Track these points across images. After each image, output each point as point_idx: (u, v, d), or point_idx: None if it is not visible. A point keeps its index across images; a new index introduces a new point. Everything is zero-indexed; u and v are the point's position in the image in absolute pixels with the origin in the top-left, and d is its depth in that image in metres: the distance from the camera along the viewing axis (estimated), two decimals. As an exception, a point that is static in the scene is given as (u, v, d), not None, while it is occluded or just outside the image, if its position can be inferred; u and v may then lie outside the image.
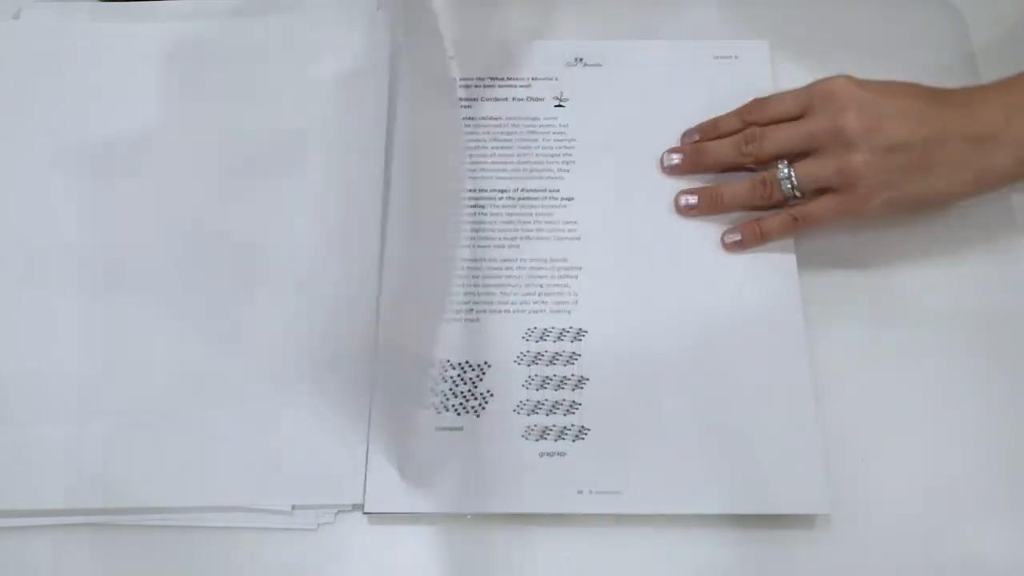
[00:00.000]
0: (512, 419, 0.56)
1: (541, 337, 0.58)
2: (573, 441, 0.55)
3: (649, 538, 0.53)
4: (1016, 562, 0.53)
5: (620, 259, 0.60)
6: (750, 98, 0.62)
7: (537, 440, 0.55)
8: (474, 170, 0.63)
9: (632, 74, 0.66)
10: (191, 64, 0.66)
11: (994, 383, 0.57)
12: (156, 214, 0.61)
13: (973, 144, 0.55)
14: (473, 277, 0.60)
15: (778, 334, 0.57)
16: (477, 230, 0.61)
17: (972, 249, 0.61)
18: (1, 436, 0.55)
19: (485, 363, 0.57)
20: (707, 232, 0.60)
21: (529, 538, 0.54)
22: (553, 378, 0.57)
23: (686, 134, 0.63)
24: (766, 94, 0.62)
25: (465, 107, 0.65)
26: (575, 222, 0.61)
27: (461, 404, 0.56)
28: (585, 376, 0.57)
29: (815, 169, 0.58)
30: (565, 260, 0.60)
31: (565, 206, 0.62)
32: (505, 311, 0.59)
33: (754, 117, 0.61)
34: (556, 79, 0.66)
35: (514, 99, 0.66)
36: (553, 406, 0.56)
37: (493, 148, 0.64)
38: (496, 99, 0.66)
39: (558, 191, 0.62)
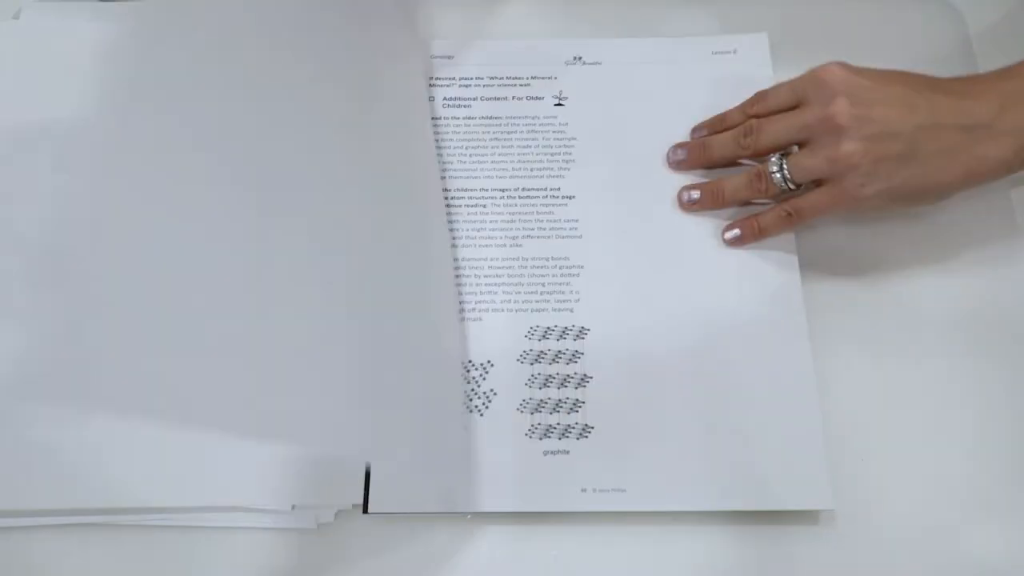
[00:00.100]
0: (516, 418, 0.56)
1: (544, 336, 0.58)
2: (577, 439, 0.55)
3: (653, 536, 0.53)
4: (1017, 559, 0.53)
5: (622, 257, 0.60)
6: (751, 93, 0.61)
7: (541, 439, 0.55)
8: (474, 169, 0.63)
9: (631, 72, 0.66)
10: (191, 64, 0.66)
11: (996, 382, 0.57)
12: (168, 215, 0.61)
13: (966, 133, 0.54)
14: (475, 276, 0.60)
15: (781, 332, 0.57)
16: (479, 229, 0.61)
17: (973, 249, 0.61)
18: (1, 436, 0.55)
19: (488, 362, 0.57)
20: (709, 229, 0.60)
21: (532, 537, 0.54)
22: (556, 376, 0.57)
23: (695, 129, 0.63)
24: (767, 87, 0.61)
25: (465, 107, 0.65)
26: (576, 220, 0.61)
27: (464, 403, 0.56)
28: (588, 374, 0.57)
29: (807, 160, 0.57)
30: (567, 258, 0.60)
31: (566, 204, 0.62)
32: (508, 310, 0.59)
33: (755, 110, 0.60)
34: (555, 78, 0.66)
35: (514, 98, 0.66)
36: (556, 404, 0.56)
37: (493, 147, 0.64)
38: (496, 98, 0.66)
39: (559, 190, 0.62)
